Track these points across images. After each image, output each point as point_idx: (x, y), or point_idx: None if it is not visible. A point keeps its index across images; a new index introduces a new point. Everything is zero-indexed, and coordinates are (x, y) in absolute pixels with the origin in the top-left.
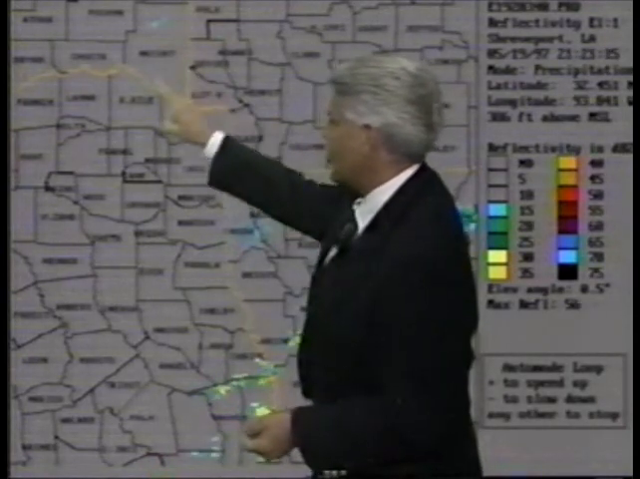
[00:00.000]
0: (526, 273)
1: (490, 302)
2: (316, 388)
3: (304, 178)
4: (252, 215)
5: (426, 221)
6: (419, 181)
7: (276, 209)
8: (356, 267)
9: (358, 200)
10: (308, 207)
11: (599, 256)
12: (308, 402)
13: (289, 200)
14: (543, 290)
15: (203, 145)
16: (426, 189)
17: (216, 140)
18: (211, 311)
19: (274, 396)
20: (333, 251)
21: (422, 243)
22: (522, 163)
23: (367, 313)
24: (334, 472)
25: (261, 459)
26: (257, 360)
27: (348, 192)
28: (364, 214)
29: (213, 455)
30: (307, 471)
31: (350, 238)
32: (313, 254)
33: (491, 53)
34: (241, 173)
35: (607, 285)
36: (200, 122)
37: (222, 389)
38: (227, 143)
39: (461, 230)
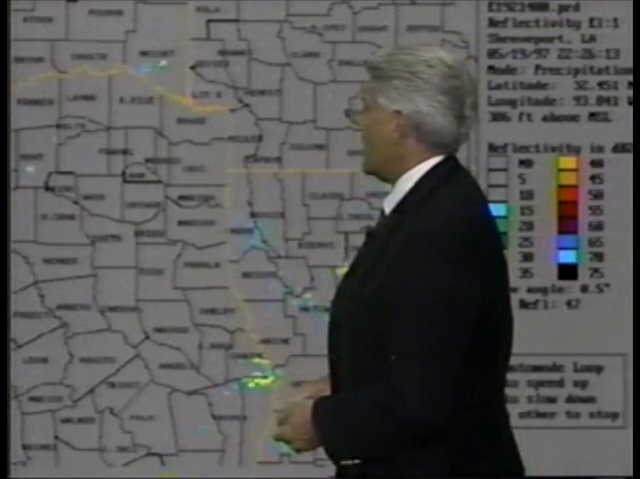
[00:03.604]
0: (526, 273)
1: None
2: (344, 379)
3: None
4: (252, 215)
5: (449, 201)
6: (445, 168)
7: None
8: (377, 249)
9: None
10: None
11: (599, 256)
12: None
13: None
14: (543, 290)
15: None
16: (453, 174)
17: None
18: (211, 311)
19: (274, 396)
20: (365, 246)
21: (437, 219)
22: (522, 163)
23: (380, 292)
24: (349, 462)
25: (292, 451)
26: (257, 360)
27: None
28: (390, 201)
29: (213, 455)
30: (308, 472)
31: (377, 225)
32: (313, 254)
33: (491, 53)
34: None
35: (607, 285)
36: None
37: (227, 390)
38: None
39: (488, 216)
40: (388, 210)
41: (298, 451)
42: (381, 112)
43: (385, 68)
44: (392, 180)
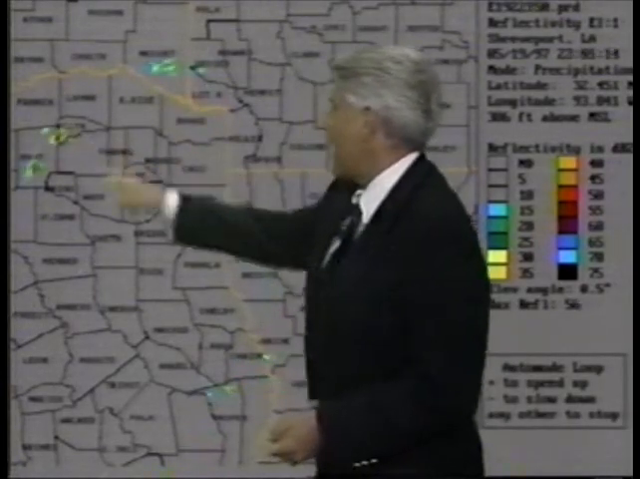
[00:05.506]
0: (526, 273)
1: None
2: (326, 387)
3: (268, 212)
4: None
5: (436, 198)
6: (422, 167)
7: (250, 250)
8: (368, 254)
9: (358, 192)
10: (282, 239)
11: (599, 256)
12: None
13: (262, 238)
14: (543, 290)
15: (159, 204)
16: (430, 174)
17: (172, 197)
18: (211, 311)
19: (274, 396)
20: (335, 245)
21: (437, 213)
22: (522, 163)
23: (390, 292)
24: (365, 463)
25: (285, 463)
26: (257, 360)
27: (345, 187)
28: (369, 202)
29: (213, 455)
30: (308, 471)
31: (354, 228)
32: None
33: (491, 53)
34: (210, 222)
35: (607, 285)
36: (151, 187)
37: (227, 389)
38: (185, 198)
39: (465, 211)
40: (367, 211)
41: (295, 463)
42: (350, 110)
43: (353, 66)
44: (365, 179)
